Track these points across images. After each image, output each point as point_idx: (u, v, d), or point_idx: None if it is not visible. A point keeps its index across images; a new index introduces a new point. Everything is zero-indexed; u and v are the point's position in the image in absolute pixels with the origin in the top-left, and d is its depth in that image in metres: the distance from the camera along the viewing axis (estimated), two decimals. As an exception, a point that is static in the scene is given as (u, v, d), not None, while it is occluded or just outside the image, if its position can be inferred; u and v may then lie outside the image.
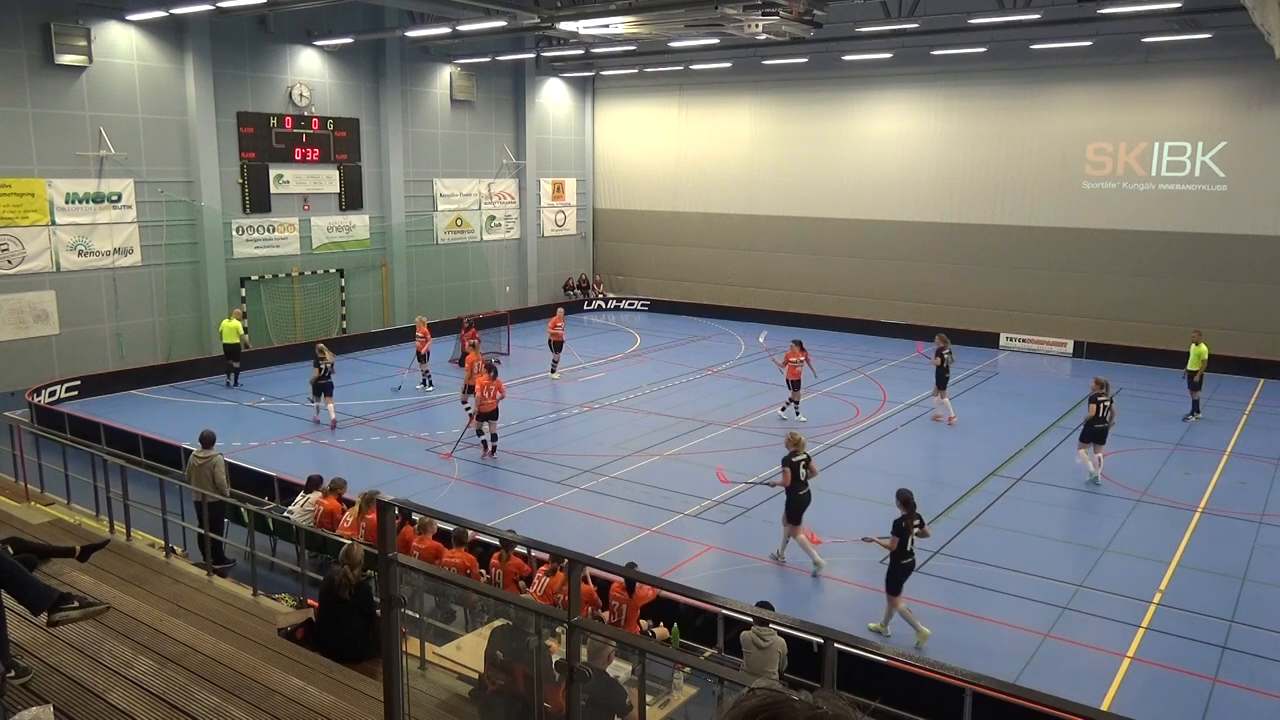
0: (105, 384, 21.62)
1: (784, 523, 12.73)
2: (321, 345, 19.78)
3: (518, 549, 10.43)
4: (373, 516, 11.29)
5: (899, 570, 10.87)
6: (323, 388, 19.07)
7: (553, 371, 23.63)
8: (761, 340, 23.05)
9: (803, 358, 19.46)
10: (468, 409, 18.49)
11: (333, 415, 19.07)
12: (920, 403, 21.36)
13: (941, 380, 19.64)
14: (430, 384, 22.32)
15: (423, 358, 22.30)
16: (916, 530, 10.85)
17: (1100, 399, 15.71)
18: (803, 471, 12.50)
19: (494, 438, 17.31)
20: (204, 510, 11.33)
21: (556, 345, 23.55)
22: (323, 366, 18.95)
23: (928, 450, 18.01)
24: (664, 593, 9.79)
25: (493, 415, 17.07)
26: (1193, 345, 20.08)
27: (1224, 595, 11.97)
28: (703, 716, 8.41)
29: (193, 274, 24.48)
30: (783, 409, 19.93)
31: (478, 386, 17.15)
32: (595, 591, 9.75)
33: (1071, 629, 11.07)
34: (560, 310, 24.35)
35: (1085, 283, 27.22)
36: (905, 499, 10.92)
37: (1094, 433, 15.86)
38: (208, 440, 12.73)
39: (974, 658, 10.11)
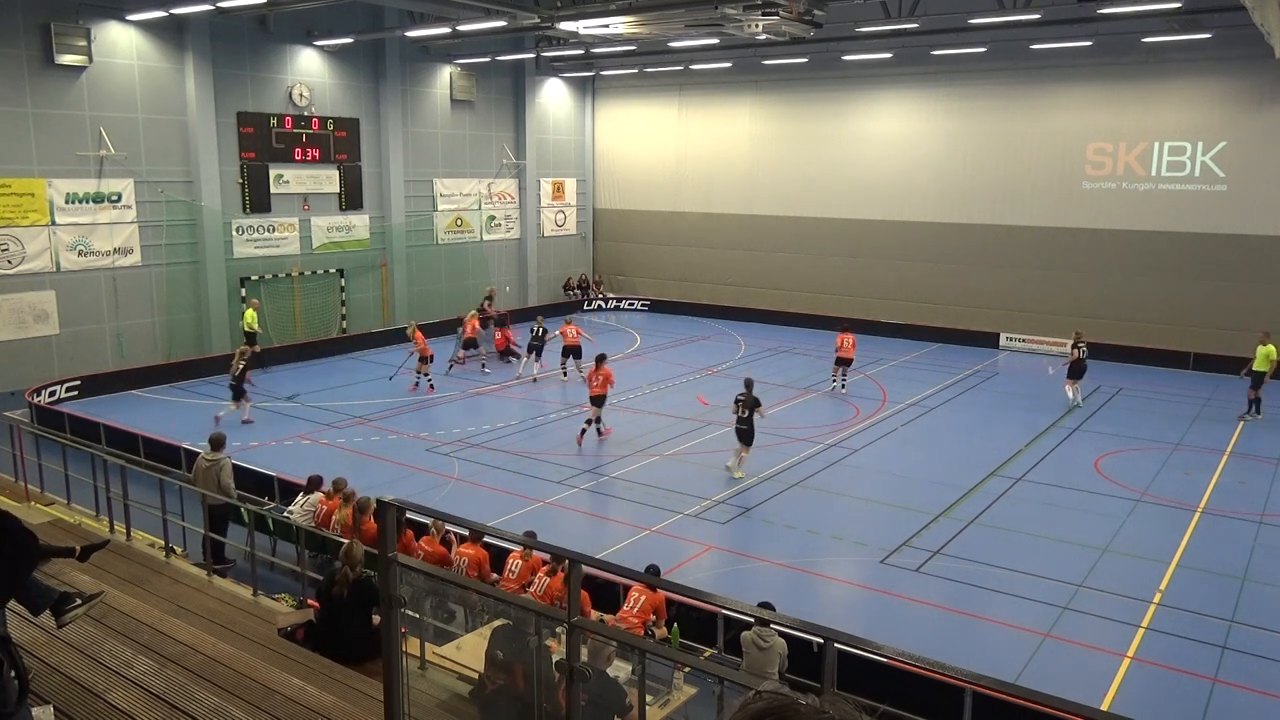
0: (105, 384, 21.61)
1: None
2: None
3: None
4: (368, 525, 11.22)
5: None
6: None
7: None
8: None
9: (849, 339, 22.16)
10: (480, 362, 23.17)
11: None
12: (920, 403, 21.38)
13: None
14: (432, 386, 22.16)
15: (426, 360, 22.08)
16: None
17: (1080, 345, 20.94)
18: None
19: (598, 420, 18.28)
20: (207, 511, 11.32)
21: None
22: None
23: (928, 450, 18.01)
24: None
25: (598, 401, 18.06)
26: (1259, 346, 20.21)
27: (1224, 595, 11.97)
28: (703, 716, 8.41)
29: (193, 274, 24.48)
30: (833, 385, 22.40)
31: (588, 375, 18.75)
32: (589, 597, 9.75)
33: (1071, 629, 11.07)
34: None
35: (1085, 283, 27.21)
36: None
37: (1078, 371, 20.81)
38: (217, 443, 12.54)
39: (974, 658, 10.10)
